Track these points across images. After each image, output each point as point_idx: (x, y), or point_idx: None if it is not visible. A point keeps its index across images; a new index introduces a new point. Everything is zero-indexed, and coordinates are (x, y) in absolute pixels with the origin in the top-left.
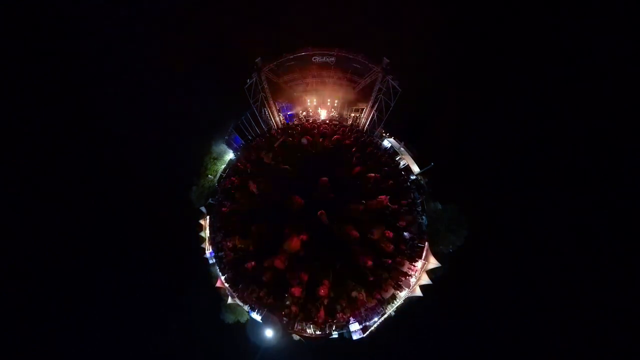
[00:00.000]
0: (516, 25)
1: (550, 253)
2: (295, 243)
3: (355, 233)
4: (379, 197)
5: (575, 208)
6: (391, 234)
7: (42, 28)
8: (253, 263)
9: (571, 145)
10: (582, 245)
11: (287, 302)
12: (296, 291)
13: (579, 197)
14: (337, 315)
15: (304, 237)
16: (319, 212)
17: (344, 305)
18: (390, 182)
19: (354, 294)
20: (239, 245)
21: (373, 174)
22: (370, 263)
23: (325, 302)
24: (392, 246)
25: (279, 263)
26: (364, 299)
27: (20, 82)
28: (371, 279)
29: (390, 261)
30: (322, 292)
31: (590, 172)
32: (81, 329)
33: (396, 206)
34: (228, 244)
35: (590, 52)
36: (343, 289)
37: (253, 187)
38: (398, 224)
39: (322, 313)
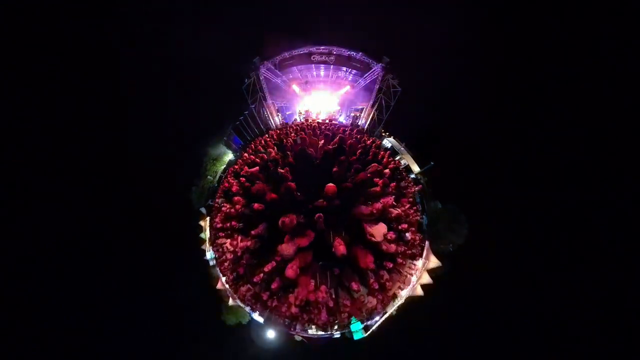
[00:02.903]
0: (515, 24)
1: (550, 252)
2: (289, 248)
3: (343, 249)
4: (384, 199)
5: (576, 208)
6: (394, 235)
7: (42, 27)
8: (261, 275)
9: (571, 144)
10: (582, 245)
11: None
12: (312, 297)
13: (579, 196)
14: (339, 315)
15: (302, 242)
16: (316, 215)
17: (347, 305)
18: (394, 184)
19: (356, 295)
20: (239, 251)
21: (382, 179)
22: (372, 265)
23: (331, 304)
24: (394, 247)
25: (290, 273)
26: (365, 299)
27: (20, 81)
28: (375, 285)
29: (391, 264)
30: (320, 296)
31: (590, 172)
32: (82, 330)
33: (399, 211)
34: (228, 245)
35: (591, 53)
36: (345, 291)
37: (254, 189)
38: (400, 227)
39: (323, 315)
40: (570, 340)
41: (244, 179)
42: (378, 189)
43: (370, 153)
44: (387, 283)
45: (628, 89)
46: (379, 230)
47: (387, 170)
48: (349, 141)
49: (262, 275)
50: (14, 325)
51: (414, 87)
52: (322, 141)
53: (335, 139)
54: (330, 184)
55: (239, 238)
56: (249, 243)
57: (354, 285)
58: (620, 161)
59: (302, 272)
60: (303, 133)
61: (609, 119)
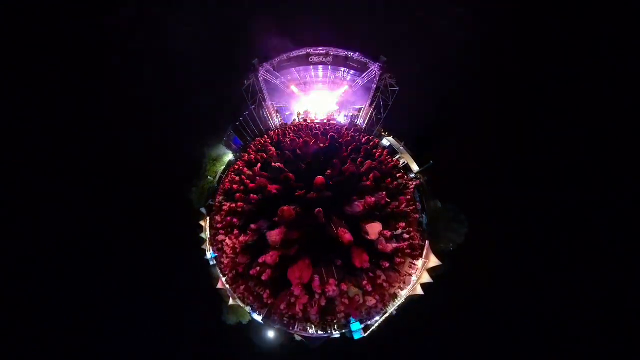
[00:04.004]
0: (515, 23)
1: (550, 252)
2: (276, 236)
3: (350, 237)
4: (376, 194)
5: (576, 207)
6: (389, 233)
7: (42, 27)
8: (258, 269)
9: (572, 144)
10: (583, 245)
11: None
12: (297, 290)
13: (579, 196)
14: (337, 315)
15: (294, 235)
16: (316, 210)
17: (346, 303)
18: (389, 180)
19: (351, 293)
20: (238, 247)
21: (372, 173)
22: (367, 265)
23: (323, 302)
24: (390, 246)
25: (269, 259)
26: (361, 299)
27: (19, 81)
28: (368, 287)
29: (387, 264)
30: (330, 290)
31: (590, 172)
32: (82, 330)
33: (395, 203)
34: (228, 244)
35: (590, 53)
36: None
37: (255, 185)
38: (397, 225)
39: (315, 310)
40: (570, 340)
41: (244, 176)
42: (369, 182)
43: (362, 150)
44: (384, 283)
45: (628, 89)
46: (374, 229)
47: (384, 168)
48: (342, 140)
49: (258, 268)
50: (14, 325)
51: (413, 86)
52: (313, 141)
53: (323, 139)
54: (319, 177)
55: (239, 234)
56: (247, 238)
57: (343, 286)
58: (620, 161)
59: (294, 265)
60: (293, 134)
61: (609, 118)
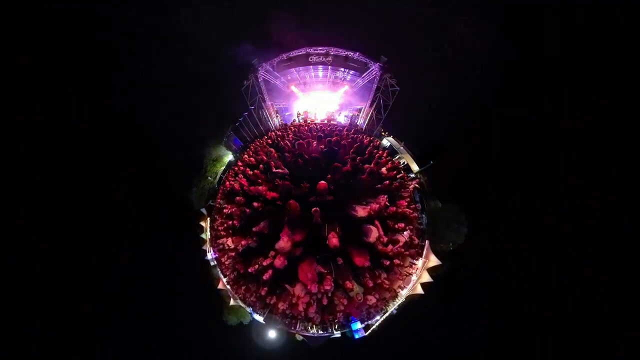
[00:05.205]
0: (515, 23)
1: (550, 251)
2: (286, 243)
3: (336, 242)
4: (378, 198)
5: (576, 207)
6: (386, 239)
7: (41, 26)
8: (256, 266)
9: (572, 144)
10: (584, 244)
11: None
12: (313, 288)
13: (580, 196)
14: (336, 313)
15: (297, 237)
16: (312, 210)
17: (344, 303)
18: (388, 182)
19: (353, 293)
20: (240, 247)
21: (369, 175)
22: (367, 263)
23: (325, 302)
24: (389, 247)
25: (278, 263)
26: (362, 297)
27: (18, 79)
28: (370, 283)
29: (388, 262)
30: (326, 285)
31: (591, 172)
32: (82, 330)
33: (394, 208)
34: (229, 245)
35: (588, 53)
36: (342, 289)
37: (255, 189)
38: (396, 226)
39: (312, 309)
40: (570, 340)
41: (245, 179)
42: (364, 176)
43: (367, 152)
44: (385, 281)
45: (627, 89)
46: (372, 231)
47: (384, 169)
48: (343, 142)
49: (257, 266)
50: (14, 326)
51: (413, 86)
52: (315, 143)
53: (327, 142)
54: (322, 182)
55: (240, 237)
56: (249, 241)
57: (348, 284)
58: (620, 161)
59: (298, 265)
60: (293, 135)
61: (609, 118)
